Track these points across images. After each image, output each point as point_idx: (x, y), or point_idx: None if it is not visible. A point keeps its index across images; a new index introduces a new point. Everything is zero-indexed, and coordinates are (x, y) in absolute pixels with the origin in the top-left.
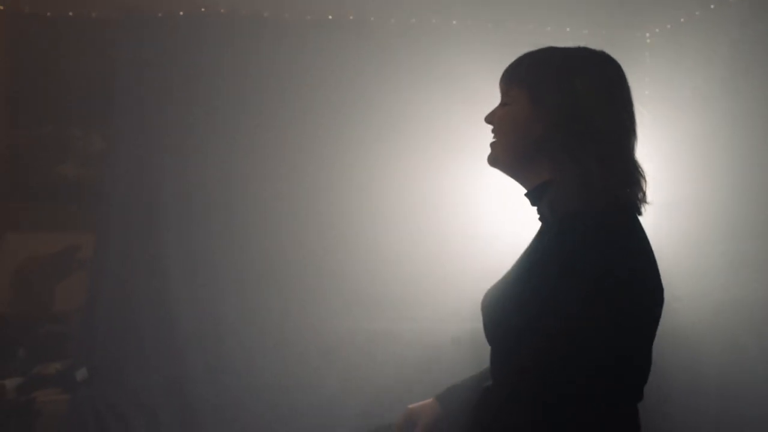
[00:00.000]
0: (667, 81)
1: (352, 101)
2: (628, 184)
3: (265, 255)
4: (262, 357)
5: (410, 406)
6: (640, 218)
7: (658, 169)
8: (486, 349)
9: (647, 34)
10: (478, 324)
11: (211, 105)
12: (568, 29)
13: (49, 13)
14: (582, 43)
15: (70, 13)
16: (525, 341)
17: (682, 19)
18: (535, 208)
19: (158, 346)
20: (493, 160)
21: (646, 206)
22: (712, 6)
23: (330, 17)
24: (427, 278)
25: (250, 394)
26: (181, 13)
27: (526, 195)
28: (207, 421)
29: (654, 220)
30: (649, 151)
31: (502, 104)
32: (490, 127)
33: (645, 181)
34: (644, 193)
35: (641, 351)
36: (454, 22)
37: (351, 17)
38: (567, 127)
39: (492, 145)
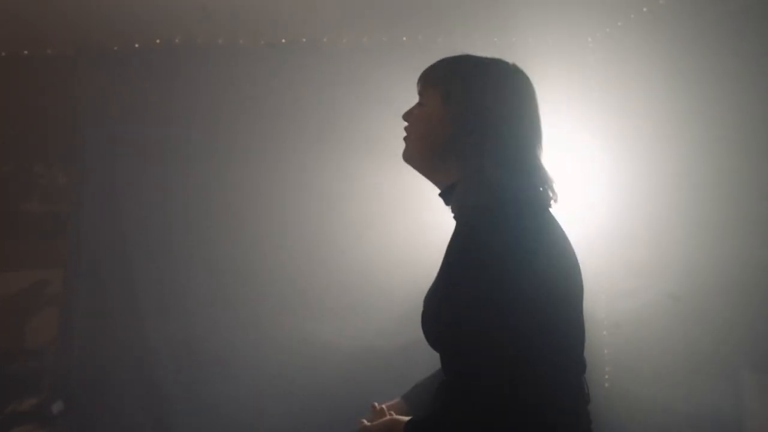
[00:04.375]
0: (611, 81)
1: (313, 119)
2: (529, 184)
3: (242, 282)
4: (241, 384)
5: (377, 404)
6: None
7: (618, 167)
8: None
9: (589, 39)
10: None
11: (174, 132)
12: (513, 39)
13: (3, 53)
14: (529, 51)
15: (25, 52)
16: (453, 337)
17: (619, 23)
18: (449, 207)
19: (133, 374)
20: (408, 157)
21: (555, 201)
22: (644, 9)
23: (283, 41)
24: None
25: (228, 421)
26: (137, 45)
27: (439, 195)
28: None
29: (613, 216)
30: (603, 145)
31: (419, 104)
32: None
33: (549, 181)
34: (552, 191)
35: (564, 323)
36: (404, 38)
37: (304, 40)
38: (474, 129)
39: (405, 139)
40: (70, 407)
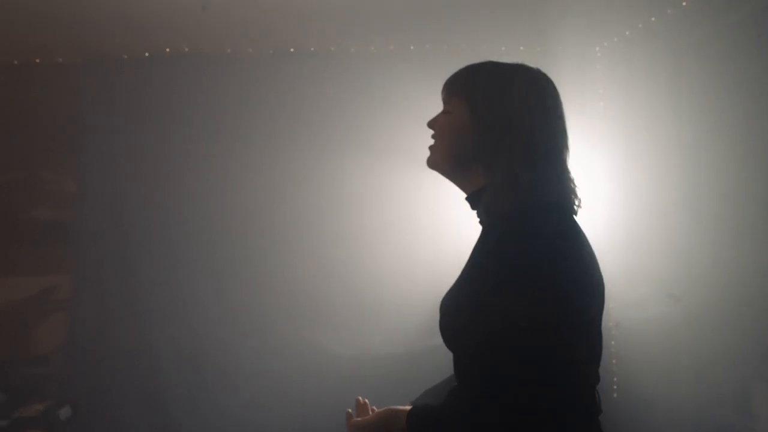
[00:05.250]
0: (619, 90)
1: (317, 127)
2: (557, 189)
3: (248, 290)
4: (244, 386)
5: (361, 399)
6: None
7: (625, 173)
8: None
9: (597, 48)
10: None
11: (180, 140)
12: (521, 48)
13: (16, 62)
14: (536, 60)
15: (37, 60)
16: (477, 342)
17: (627, 32)
18: (476, 212)
19: (141, 379)
20: (432, 163)
21: (580, 207)
22: (653, 18)
23: (292, 50)
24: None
25: (232, 424)
26: (146, 54)
27: (466, 199)
28: None
29: (619, 220)
30: (609, 154)
31: (444, 112)
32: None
33: (575, 186)
34: (576, 197)
35: (585, 334)
36: (411, 47)
37: (312, 48)
38: (500, 135)
39: (431, 148)
40: (77, 413)
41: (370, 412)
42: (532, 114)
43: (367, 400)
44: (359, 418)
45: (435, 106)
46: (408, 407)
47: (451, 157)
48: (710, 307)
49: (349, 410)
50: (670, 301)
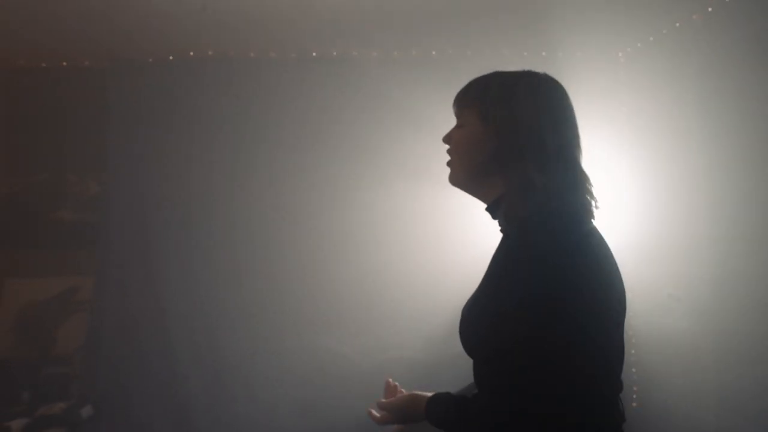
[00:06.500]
0: (642, 97)
1: (339, 131)
2: (573, 191)
3: (268, 290)
4: (262, 391)
5: (391, 380)
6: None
7: (640, 177)
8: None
9: (620, 54)
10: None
11: (204, 144)
12: (543, 53)
13: (44, 64)
14: (558, 66)
15: (64, 63)
16: (497, 349)
17: (651, 38)
18: (496, 221)
19: (161, 379)
20: (454, 180)
21: (597, 208)
22: (677, 24)
23: (314, 54)
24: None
25: (252, 424)
26: (171, 57)
27: (486, 210)
28: None
29: (636, 223)
30: (631, 162)
31: (457, 126)
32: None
33: (591, 186)
34: (593, 198)
35: (605, 340)
36: (433, 53)
37: (334, 53)
38: (513, 140)
39: (449, 164)
40: (99, 412)
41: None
42: (543, 118)
43: (397, 383)
44: (384, 399)
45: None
46: (429, 393)
47: (470, 170)
48: (735, 317)
49: (371, 410)
50: (671, 300)
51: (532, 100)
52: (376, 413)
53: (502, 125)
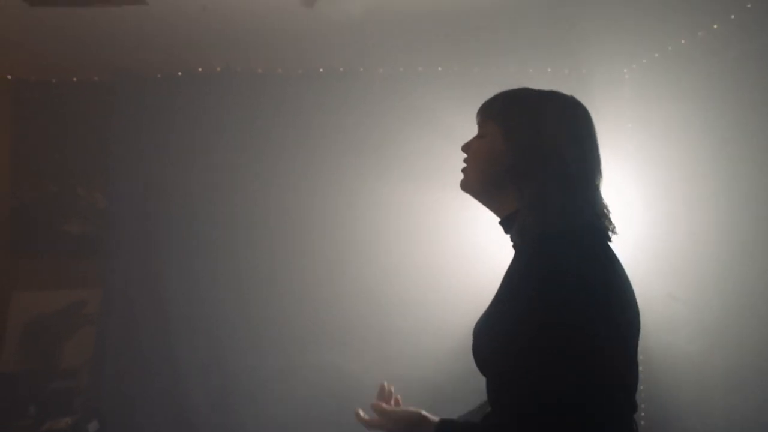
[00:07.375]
0: (648, 112)
1: (346, 146)
2: (590, 213)
3: (274, 304)
4: (269, 407)
5: (386, 384)
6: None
7: (646, 187)
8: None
9: (625, 70)
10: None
11: (211, 159)
12: (549, 69)
13: (54, 80)
14: (563, 81)
15: (74, 78)
16: (510, 367)
17: (656, 54)
18: (508, 236)
19: (166, 395)
20: (466, 185)
21: (614, 233)
22: (682, 41)
23: (321, 70)
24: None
25: None
26: (180, 73)
27: (499, 223)
28: None
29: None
30: (636, 179)
31: (478, 136)
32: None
33: (608, 212)
34: (610, 222)
35: (621, 360)
36: (439, 68)
37: (341, 69)
38: (534, 160)
39: (464, 170)
40: (105, 427)
41: (393, 401)
42: (566, 140)
43: (392, 387)
44: (385, 405)
45: (459, 127)
46: (437, 418)
47: (484, 179)
48: (746, 334)
49: (359, 411)
50: (672, 300)
51: (558, 122)
52: (364, 415)
53: (524, 143)
